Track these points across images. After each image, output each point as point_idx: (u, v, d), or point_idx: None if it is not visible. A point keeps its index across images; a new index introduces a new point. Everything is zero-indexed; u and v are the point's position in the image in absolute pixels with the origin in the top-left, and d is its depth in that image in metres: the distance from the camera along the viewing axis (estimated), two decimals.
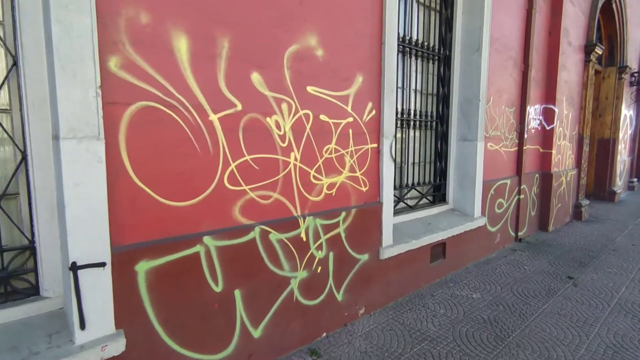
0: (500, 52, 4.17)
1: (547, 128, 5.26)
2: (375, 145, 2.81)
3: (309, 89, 2.31)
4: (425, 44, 3.62)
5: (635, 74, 8.79)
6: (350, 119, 2.59)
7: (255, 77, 2.06)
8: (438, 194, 4.02)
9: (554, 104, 5.17)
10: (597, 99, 7.88)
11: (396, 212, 3.42)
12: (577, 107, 5.92)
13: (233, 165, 2.00)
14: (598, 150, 7.99)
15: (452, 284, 3.47)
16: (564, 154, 5.65)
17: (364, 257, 2.78)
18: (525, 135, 4.71)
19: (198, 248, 1.87)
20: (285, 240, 2.25)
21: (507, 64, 4.32)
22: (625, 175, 9.43)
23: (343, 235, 2.59)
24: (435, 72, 3.82)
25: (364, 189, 2.76)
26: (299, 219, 2.31)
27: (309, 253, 2.39)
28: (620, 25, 7.24)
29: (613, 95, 7.71)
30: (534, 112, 5.02)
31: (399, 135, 3.45)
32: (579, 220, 6.12)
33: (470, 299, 3.17)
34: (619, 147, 8.62)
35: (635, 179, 9.88)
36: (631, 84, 8.78)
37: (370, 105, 2.72)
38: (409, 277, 3.21)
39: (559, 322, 2.79)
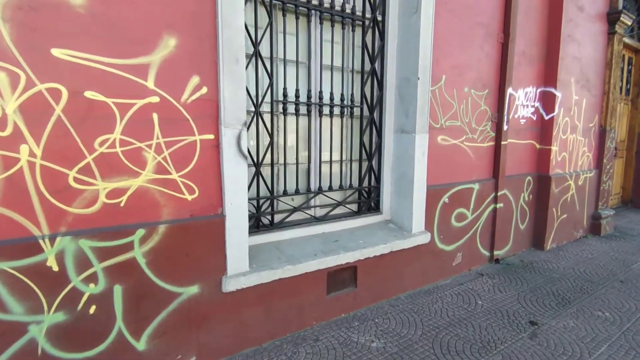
0: (460, 14, 3.15)
1: (546, 118, 4.10)
2: (212, 136, 2.03)
3: (57, 52, 1.59)
4: (344, 5, 2.74)
5: None
6: (155, 99, 1.84)
7: None
8: (367, 201, 3.13)
9: (555, 87, 4.00)
10: (638, 84, 6.33)
11: (282, 226, 2.62)
12: (595, 91, 4.62)
13: None
14: (639, 148, 6.45)
15: (358, 324, 2.60)
16: (573, 152, 4.43)
17: (190, 290, 2.03)
18: (505, 127, 3.63)
19: None
20: (12, 271, 1.56)
21: (473, 33, 3.28)
22: None
23: (143, 261, 1.86)
24: (362, 43, 2.92)
25: (190, 197, 2.00)
26: (42, 240, 1.61)
27: (69, 287, 1.69)
28: None
29: None
30: (524, 97, 3.89)
31: (283, 124, 2.62)
32: (596, 235, 4.84)
33: (365, 350, 2.30)
34: None
35: None
36: None
37: (195, 80, 1.95)
38: (286, 315, 2.41)
39: None
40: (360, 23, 2.89)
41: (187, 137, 1.95)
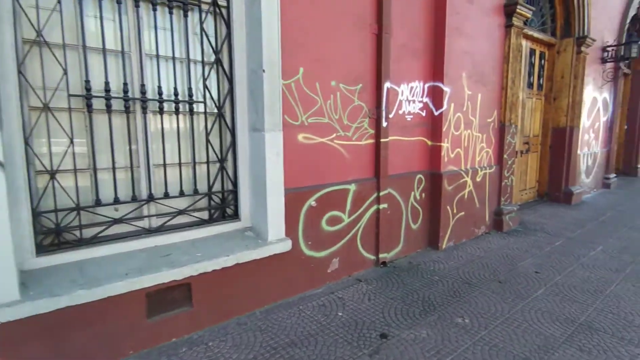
0: (320, 3, 2.90)
1: (436, 113, 3.96)
2: None
3: None
4: None
5: (610, 48, 7.26)
6: None
7: None
8: (221, 208, 2.83)
9: (443, 82, 3.86)
10: (552, 79, 6.44)
11: (95, 242, 2.27)
12: (493, 86, 4.56)
13: None
14: (553, 142, 6.57)
15: (186, 349, 2.29)
16: (469, 148, 4.33)
17: None
18: (385, 123, 3.44)
19: None
20: None
21: (340, 22, 3.04)
22: (599, 171, 7.94)
23: None
24: (200, 30, 2.59)
25: None
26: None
27: None
28: None
29: (570, 74, 6.25)
30: (409, 92, 3.72)
31: (89, 122, 2.25)
32: (499, 232, 4.80)
33: None
34: (586, 138, 7.18)
35: (612, 175, 8.36)
36: (603, 60, 7.26)
37: None
38: (88, 347, 2.06)
39: None
40: (197, 7, 2.56)
41: None
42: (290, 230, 2.88)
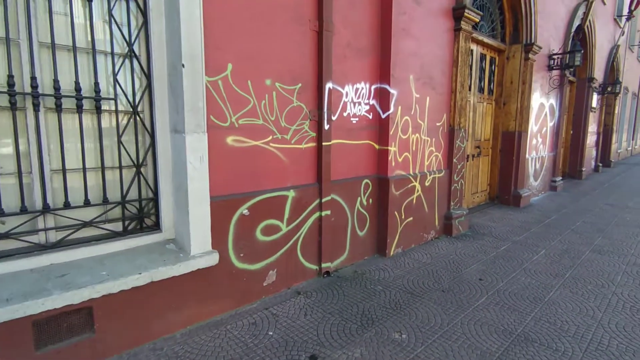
0: None
1: (383, 116, 3.83)
2: None
3: None
4: None
5: (556, 56, 7.53)
6: None
7: None
8: (138, 218, 2.52)
9: (389, 84, 3.74)
10: (502, 84, 6.56)
11: None
12: (442, 90, 4.51)
13: None
14: (503, 146, 6.70)
15: None
16: (418, 152, 4.25)
17: None
18: (327, 126, 3.26)
19: None
20: None
21: (274, 17, 2.82)
22: (546, 174, 8.23)
23: None
24: (109, 18, 2.29)
25: None
26: None
27: None
28: None
29: (518, 80, 6.39)
30: (354, 94, 3.57)
31: None
32: (448, 236, 4.77)
33: None
34: (534, 142, 7.40)
35: (558, 178, 8.71)
36: (550, 67, 7.52)
37: None
38: None
39: None
40: None
41: None
42: (219, 242, 2.63)
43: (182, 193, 2.47)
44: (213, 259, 2.55)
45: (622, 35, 12.33)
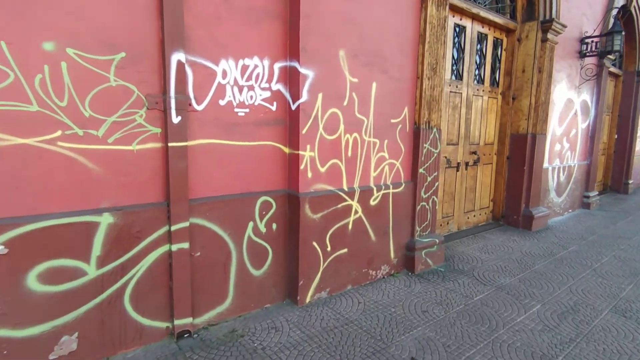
0: None
1: (293, 108, 2.69)
2: None
3: None
4: None
5: (590, 40, 5.96)
6: None
7: None
8: None
9: (299, 61, 2.59)
10: (511, 74, 5.14)
11: None
12: (400, 74, 3.28)
13: None
14: (512, 152, 5.26)
15: None
16: (356, 159, 3.06)
17: None
18: (175, 118, 2.18)
19: None
20: None
21: None
22: (576, 187, 6.62)
23: None
24: None
25: None
26: None
27: None
28: None
29: (532, 67, 4.96)
30: (239, 73, 2.46)
31: None
32: (409, 273, 3.53)
33: None
34: (558, 148, 5.88)
35: (593, 193, 7.03)
36: (582, 54, 5.96)
37: None
38: None
39: None
40: None
41: None
42: None
43: None
44: None
45: None
